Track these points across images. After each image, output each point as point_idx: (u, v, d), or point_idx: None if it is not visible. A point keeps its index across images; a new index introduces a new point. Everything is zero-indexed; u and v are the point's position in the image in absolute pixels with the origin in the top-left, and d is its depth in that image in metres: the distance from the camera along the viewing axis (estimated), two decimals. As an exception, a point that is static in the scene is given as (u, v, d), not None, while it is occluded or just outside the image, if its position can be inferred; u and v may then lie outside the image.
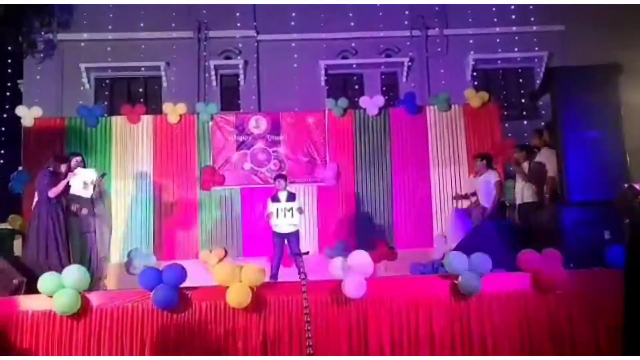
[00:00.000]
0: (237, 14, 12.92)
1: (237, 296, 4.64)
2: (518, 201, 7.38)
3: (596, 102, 6.16)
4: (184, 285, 4.87)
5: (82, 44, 12.76)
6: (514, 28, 12.88)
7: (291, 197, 8.05)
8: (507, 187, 9.36)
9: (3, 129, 11.84)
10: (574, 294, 5.05)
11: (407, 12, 13.06)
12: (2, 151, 12.00)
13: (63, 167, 6.61)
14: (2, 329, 4.63)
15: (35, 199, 6.53)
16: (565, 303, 5.01)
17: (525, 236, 6.55)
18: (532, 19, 12.85)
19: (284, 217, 7.80)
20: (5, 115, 11.80)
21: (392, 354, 4.77)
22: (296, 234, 7.95)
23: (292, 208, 7.86)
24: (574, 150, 6.14)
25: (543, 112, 11.96)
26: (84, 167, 7.05)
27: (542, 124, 8.40)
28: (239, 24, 12.96)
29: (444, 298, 4.93)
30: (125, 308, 4.76)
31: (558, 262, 5.11)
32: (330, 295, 4.86)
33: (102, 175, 7.74)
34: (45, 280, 4.76)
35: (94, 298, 4.83)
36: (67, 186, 6.46)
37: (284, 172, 9.16)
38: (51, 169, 6.51)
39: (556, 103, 6.47)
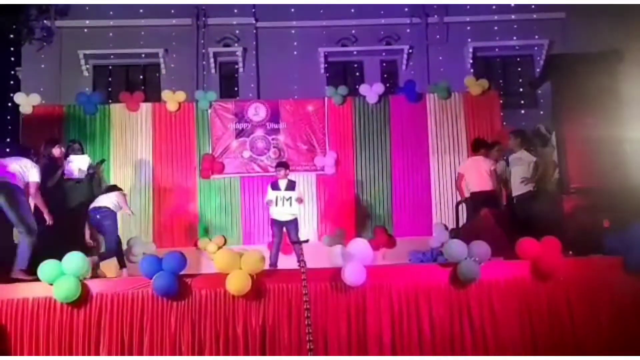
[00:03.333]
0: (236, 1, 12.82)
1: (237, 283, 4.64)
2: (515, 190, 7.32)
3: (596, 89, 6.16)
4: (183, 272, 4.86)
5: (81, 31, 12.67)
6: (514, 16, 12.80)
7: (291, 185, 8.03)
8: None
9: (8, 117, 11.74)
10: (573, 281, 5.05)
11: (406, 1, 12.96)
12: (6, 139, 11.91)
13: (56, 151, 6.60)
14: (2, 317, 4.63)
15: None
16: (564, 290, 5.01)
17: (524, 224, 6.56)
18: (532, 6, 12.75)
19: (283, 206, 7.80)
20: (5, 103, 11.71)
21: (392, 341, 4.77)
22: (295, 222, 7.94)
23: (291, 197, 7.85)
24: (573, 137, 6.14)
25: (542, 100, 11.91)
26: (82, 154, 7.10)
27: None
28: (237, 11, 12.86)
29: (444, 286, 4.92)
30: (125, 295, 4.75)
31: (557, 250, 5.12)
32: (330, 282, 4.86)
33: (101, 162, 7.77)
34: (45, 268, 4.74)
35: (94, 285, 4.83)
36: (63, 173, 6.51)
37: (284, 160, 9.15)
38: (46, 155, 6.48)
39: (556, 90, 6.45)
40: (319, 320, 4.68)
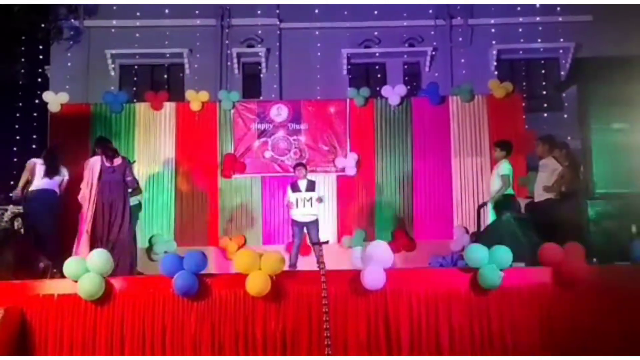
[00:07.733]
0: (260, 2, 12.90)
1: (257, 285, 4.65)
2: (536, 197, 7.18)
3: (624, 94, 6.04)
4: (203, 272, 4.90)
5: (109, 31, 12.88)
6: (539, 18, 12.64)
7: (311, 185, 8.06)
8: (529, 180, 9.25)
9: (35, 114, 12.00)
10: (596, 289, 4.93)
11: (431, 1, 12.89)
12: (34, 136, 12.18)
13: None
14: (26, 312, 4.70)
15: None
16: (587, 299, 4.90)
17: (547, 230, 6.46)
18: (558, 9, 12.57)
19: (304, 207, 7.82)
20: (34, 101, 11.97)
21: (410, 347, 4.72)
22: (315, 223, 7.97)
23: (311, 198, 7.87)
24: (600, 142, 6.04)
25: (567, 104, 11.73)
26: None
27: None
28: (261, 12, 12.94)
29: (464, 291, 4.86)
30: (147, 294, 4.80)
31: (581, 256, 5.02)
32: (349, 285, 4.83)
33: (132, 163, 7.86)
34: (70, 264, 4.83)
35: (117, 283, 4.89)
36: None
37: (303, 161, 9.18)
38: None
39: (583, 94, 6.36)
40: (339, 324, 4.65)
